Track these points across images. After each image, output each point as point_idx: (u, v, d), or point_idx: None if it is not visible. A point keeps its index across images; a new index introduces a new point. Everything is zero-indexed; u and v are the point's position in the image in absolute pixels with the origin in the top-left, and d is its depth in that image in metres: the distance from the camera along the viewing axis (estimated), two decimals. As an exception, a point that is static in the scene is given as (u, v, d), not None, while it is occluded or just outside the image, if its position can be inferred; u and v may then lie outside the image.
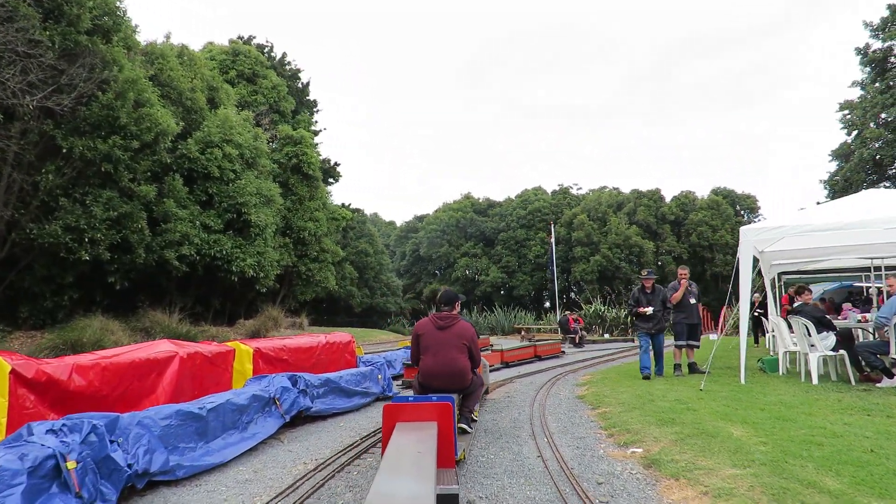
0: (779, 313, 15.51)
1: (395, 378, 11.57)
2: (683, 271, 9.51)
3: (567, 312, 21.45)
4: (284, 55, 26.84)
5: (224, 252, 16.29)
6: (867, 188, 22.03)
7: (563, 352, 16.66)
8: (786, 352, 8.95)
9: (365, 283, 44.37)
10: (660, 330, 8.88)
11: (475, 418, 5.72)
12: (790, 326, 8.71)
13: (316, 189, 22.07)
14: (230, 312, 20.81)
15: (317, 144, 25.08)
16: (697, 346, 9.71)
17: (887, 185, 21.80)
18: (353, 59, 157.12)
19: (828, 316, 8.29)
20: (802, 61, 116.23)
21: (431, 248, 48.85)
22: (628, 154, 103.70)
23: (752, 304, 20.69)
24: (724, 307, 33.34)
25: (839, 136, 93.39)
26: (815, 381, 7.62)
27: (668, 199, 44.74)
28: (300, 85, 26.28)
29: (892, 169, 21.43)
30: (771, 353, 12.01)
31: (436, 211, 52.26)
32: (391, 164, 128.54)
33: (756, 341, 18.76)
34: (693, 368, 9.52)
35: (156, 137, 13.74)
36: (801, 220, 7.90)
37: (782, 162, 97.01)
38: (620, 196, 45.75)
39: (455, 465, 3.79)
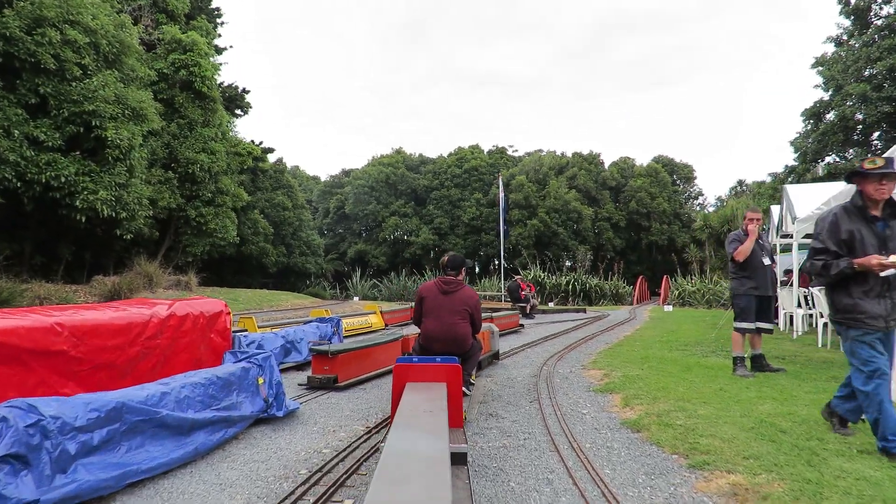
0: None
1: (298, 368, 7.60)
2: (754, 214, 6.11)
3: (517, 277, 18.10)
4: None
5: (64, 179, 11.33)
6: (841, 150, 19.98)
7: (522, 325, 13.25)
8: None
9: (281, 241, 39.18)
10: None
11: (472, 381, 5.67)
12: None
13: (213, 113, 17.05)
14: (91, 266, 15.73)
15: (219, 65, 19.83)
16: (770, 331, 6.40)
17: (853, 151, 19.84)
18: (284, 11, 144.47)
19: None
20: (726, 45, 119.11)
21: (358, 204, 44.19)
22: (565, 121, 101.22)
23: None
24: (666, 277, 31.63)
25: (756, 117, 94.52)
26: None
27: (607, 164, 42.51)
28: (198, -15, 20.72)
29: (855, 134, 19.33)
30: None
31: (364, 166, 47.39)
32: (320, 117, 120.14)
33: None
34: (760, 363, 6.20)
35: (-72, -13, 8.56)
36: None
37: (717, 137, 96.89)
38: (563, 159, 42.99)
39: (463, 426, 3.70)
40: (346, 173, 49.39)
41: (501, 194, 20.92)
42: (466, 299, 4.95)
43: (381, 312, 13.16)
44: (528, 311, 17.45)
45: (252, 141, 22.90)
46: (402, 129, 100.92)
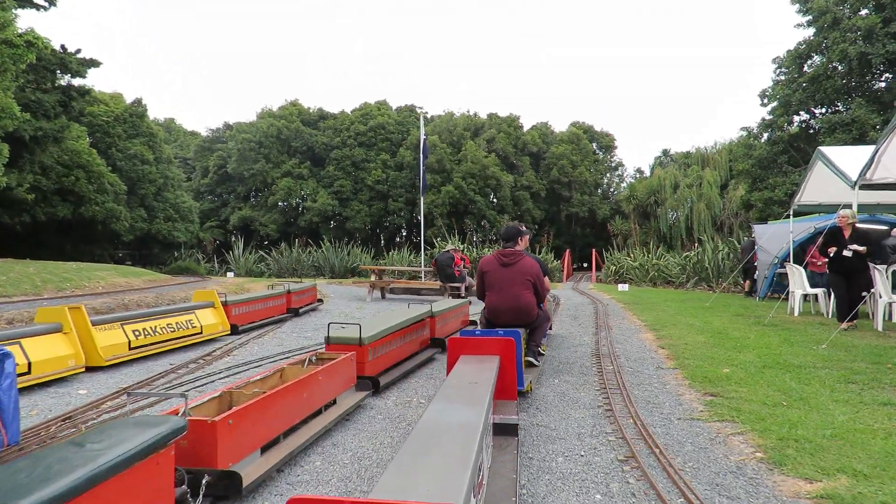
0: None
1: None
2: None
3: (450, 247, 12.65)
4: None
5: None
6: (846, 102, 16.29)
7: (476, 323, 7.83)
8: None
9: (140, 202, 30.63)
10: None
11: (542, 352, 5.27)
12: None
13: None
14: None
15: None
16: None
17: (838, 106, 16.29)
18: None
19: None
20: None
21: (243, 163, 36.26)
22: (476, 84, 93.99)
23: (750, 248, 14.01)
24: (594, 251, 27.75)
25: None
26: None
27: (526, 128, 38.02)
28: None
29: (840, 80, 15.57)
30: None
31: (253, 119, 39.23)
32: (205, 65, 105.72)
33: (749, 293, 12.95)
34: None
35: None
36: None
37: (634, 108, 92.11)
38: (478, 120, 37.85)
39: (517, 398, 3.64)
40: (230, 127, 40.86)
41: (422, 136, 15.20)
42: (528, 269, 4.81)
43: (224, 305, 7.07)
44: (462, 294, 12.13)
45: (66, 50, 14.86)
46: (299, 81, 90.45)
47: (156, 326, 5.90)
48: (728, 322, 8.26)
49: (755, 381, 4.53)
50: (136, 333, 5.62)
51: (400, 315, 5.57)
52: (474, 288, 13.69)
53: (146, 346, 5.69)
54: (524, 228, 5.15)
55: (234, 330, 7.06)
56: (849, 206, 7.74)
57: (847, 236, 7.17)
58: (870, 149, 9.14)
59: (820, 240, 10.72)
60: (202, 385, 4.71)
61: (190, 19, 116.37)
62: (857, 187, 8.03)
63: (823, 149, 9.38)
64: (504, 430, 3.04)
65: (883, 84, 15.60)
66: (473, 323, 7.83)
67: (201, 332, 6.51)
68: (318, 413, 3.63)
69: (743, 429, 3.35)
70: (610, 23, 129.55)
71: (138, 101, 32.01)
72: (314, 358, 4.17)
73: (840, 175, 8.47)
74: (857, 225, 7.29)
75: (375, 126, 36.40)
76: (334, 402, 3.86)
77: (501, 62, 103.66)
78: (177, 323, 6.21)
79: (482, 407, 2.46)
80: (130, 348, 5.48)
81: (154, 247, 32.59)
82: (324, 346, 4.64)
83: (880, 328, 7.14)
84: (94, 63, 16.50)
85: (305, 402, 3.43)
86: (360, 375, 4.31)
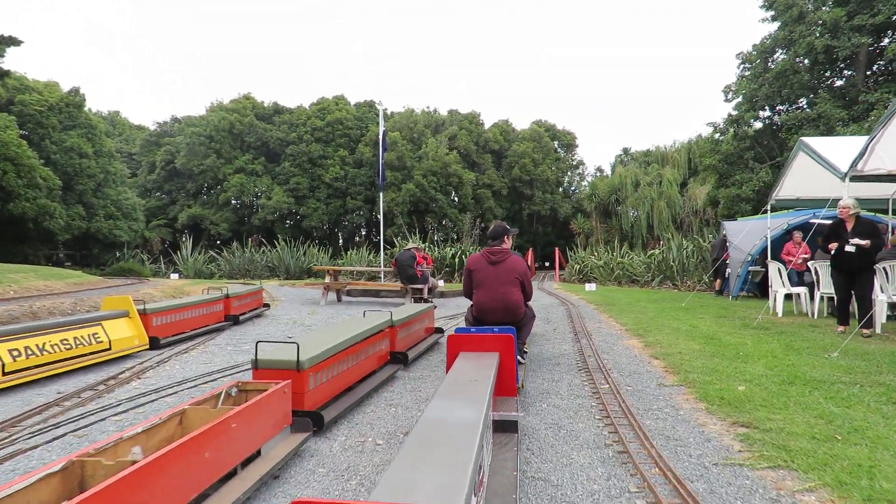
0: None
1: None
2: None
3: (411, 246, 11.61)
4: None
5: None
6: (811, 103, 16.05)
7: (441, 330, 6.87)
8: None
9: (77, 198, 28.25)
10: None
11: (525, 350, 5.19)
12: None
13: None
14: None
15: None
16: None
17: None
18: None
19: None
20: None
21: (192, 158, 34.08)
22: (435, 82, 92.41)
23: (721, 246, 13.45)
24: (557, 249, 27.26)
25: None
26: None
27: (487, 125, 37.30)
28: None
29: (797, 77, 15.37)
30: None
31: (203, 113, 37.02)
32: (154, 58, 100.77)
33: (720, 292, 12.78)
34: None
35: None
36: None
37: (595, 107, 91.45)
38: (438, 116, 36.88)
39: (517, 394, 3.62)
40: (178, 120, 38.46)
41: (381, 129, 14.11)
42: (515, 267, 4.79)
43: (142, 313, 5.85)
44: (425, 296, 11.13)
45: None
46: (253, 75, 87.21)
47: (45, 343, 4.67)
48: (714, 325, 7.58)
49: (783, 403, 3.73)
50: (15, 353, 4.38)
51: (353, 327, 4.53)
52: (437, 290, 12.74)
53: (29, 368, 4.45)
54: (510, 227, 5.06)
55: (155, 344, 5.84)
56: (840, 199, 7.16)
57: (850, 229, 6.54)
58: (855, 139, 8.65)
59: (799, 234, 10.31)
60: (83, 428, 3.55)
61: (190, 19, 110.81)
62: (847, 179, 7.46)
63: (807, 139, 8.84)
64: (504, 427, 3.04)
65: (844, 80, 15.48)
66: (440, 330, 6.84)
67: (110, 349, 5.29)
68: (232, 474, 2.58)
69: (810, 483, 2.50)
70: (591, 23, 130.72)
71: (75, 91, 29.55)
72: (234, 390, 3.11)
73: (828, 167, 7.90)
74: (861, 215, 6.69)
75: (333, 121, 34.92)
76: (258, 453, 2.82)
77: (498, 62, 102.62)
78: (75, 338, 4.98)
79: (482, 405, 2.42)
80: (5, 373, 4.24)
81: (94, 247, 30.16)
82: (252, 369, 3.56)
83: (878, 330, 6.58)
84: (13, 41, 14.54)
85: (210, 463, 2.37)
86: (296, 410, 3.27)
